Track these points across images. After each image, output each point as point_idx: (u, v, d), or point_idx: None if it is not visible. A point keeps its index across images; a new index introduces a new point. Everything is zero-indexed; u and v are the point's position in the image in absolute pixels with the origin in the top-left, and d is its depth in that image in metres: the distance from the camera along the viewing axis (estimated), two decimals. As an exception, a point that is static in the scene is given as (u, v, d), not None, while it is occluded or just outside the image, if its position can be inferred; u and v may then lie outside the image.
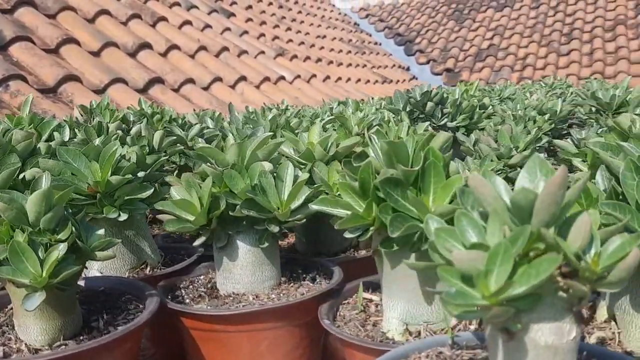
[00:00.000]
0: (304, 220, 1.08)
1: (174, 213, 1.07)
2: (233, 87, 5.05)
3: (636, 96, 2.16)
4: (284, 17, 8.47)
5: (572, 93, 2.81)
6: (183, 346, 1.11)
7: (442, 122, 2.17)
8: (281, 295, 1.10)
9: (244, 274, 1.11)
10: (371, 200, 0.89)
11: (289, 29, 7.97)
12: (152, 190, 1.21)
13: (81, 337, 0.96)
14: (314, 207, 0.95)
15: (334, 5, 11.50)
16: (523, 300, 0.57)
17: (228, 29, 6.29)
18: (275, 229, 1.06)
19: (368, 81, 7.51)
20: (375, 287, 1.11)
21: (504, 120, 2.33)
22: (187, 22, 5.72)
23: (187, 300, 1.12)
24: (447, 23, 10.64)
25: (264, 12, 8.12)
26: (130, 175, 1.16)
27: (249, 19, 7.24)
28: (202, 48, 5.30)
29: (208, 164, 1.09)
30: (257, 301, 1.07)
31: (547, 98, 2.64)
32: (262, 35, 6.90)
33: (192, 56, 5.14)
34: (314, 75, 6.32)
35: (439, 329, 0.94)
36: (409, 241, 0.91)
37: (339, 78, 6.88)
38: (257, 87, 5.30)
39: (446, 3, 11.45)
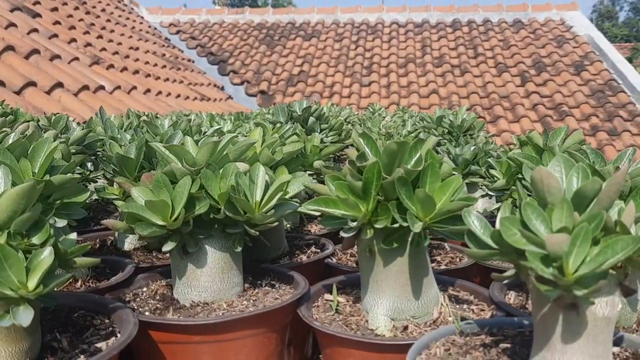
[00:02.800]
0: (276, 222, 1.06)
1: (141, 216, 0.97)
2: (49, 93, 4.57)
3: (478, 121, 2.50)
4: (92, 24, 7.91)
5: (417, 117, 3.13)
6: (148, 364, 1.00)
7: (321, 137, 2.26)
8: (252, 302, 1.06)
9: (213, 281, 1.04)
10: (375, 199, 0.92)
11: (100, 36, 7.47)
12: (89, 193, 1.08)
13: (46, 361, 0.81)
14: (310, 207, 0.95)
15: (142, 18, 11.07)
16: (593, 277, 0.66)
17: (35, 29, 5.68)
18: (251, 231, 1.03)
19: (187, 97, 7.36)
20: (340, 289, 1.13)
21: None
22: (-12, 18, 5.04)
23: (147, 314, 1.01)
24: (259, 47, 10.93)
25: (71, 16, 7.50)
26: (70, 175, 1.02)
27: (57, 22, 6.63)
28: (10, 48, 4.72)
29: (174, 163, 1.02)
30: (231, 309, 1.02)
31: (398, 121, 2.90)
32: (74, 40, 6.37)
33: (-2, 56, 4.54)
34: (135, 87, 6.01)
35: (423, 322, 1.00)
36: (406, 239, 0.96)
37: (160, 92, 6.64)
38: (76, 95, 4.87)
39: (257, 27, 11.77)
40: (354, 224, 0.92)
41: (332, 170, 1.00)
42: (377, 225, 0.92)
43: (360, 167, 0.94)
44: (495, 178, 1.35)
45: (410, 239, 0.95)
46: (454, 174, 0.96)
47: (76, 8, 8.11)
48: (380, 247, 0.96)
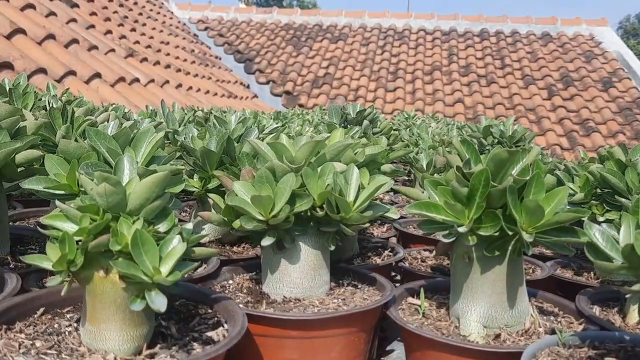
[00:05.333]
0: (369, 223, 1.07)
1: (245, 210, 0.98)
2: (87, 82, 4.63)
3: (529, 133, 2.50)
4: (126, 17, 7.99)
5: (462, 126, 3.13)
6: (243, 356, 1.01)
7: (374, 140, 2.27)
8: (341, 300, 1.07)
9: (305, 277, 1.05)
10: (480, 206, 0.93)
11: (133, 29, 7.55)
12: (184, 183, 1.09)
13: (158, 346, 0.83)
14: (412, 211, 0.96)
15: (172, 13, 11.15)
16: None
17: (74, 19, 5.75)
18: (347, 230, 1.04)
19: (216, 94, 7.41)
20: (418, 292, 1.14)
21: (417, 143, 2.52)
22: (30, 5, 5.10)
23: (241, 306, 1.02)
24: (285, 47, 10.97)
25: (105, 7, 7.58)
26: (175, 166, 1.04)
27: (93, 13, 6.70)
28: (51, 36, 4.78)
29: (276, 160, 1.03)
30: (324, 306, 1.03)
31: (444, 128, 2.91)
32: (109, 32, 6.44)
33: (40, 43, 4.60)
34: (167, 82, 6.07)
35: (515, 331, 1.00)
36: (507, 247, 0.96)
37: (190, 87, 6.69)
38: (112, 86, 4.92)
39: (284, 28, 11.82)
40: (460, 229, 0.93)
41: (432, 175, 1.01)
42: (481, 233, 0.93)
43: (467, 173, 0.94)
44: (572, 191, 1.35)
45: (511, 247, 0.96)
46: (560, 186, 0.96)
47: (110, 0, 8.19)
48: (480, 255, 0.97)
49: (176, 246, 0.76)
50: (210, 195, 1.11)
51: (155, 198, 0.79)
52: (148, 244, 0.73)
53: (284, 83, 9.77)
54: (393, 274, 1.51)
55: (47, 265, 0.75)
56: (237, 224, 1.01)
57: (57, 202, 0.79)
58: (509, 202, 0.91)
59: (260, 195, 0.95)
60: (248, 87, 9.66)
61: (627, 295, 1.06)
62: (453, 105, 9.15)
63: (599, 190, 1.32)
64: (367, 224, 1.63)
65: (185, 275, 1.14)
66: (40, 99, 1.71)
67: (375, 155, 1.31)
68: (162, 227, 0.80)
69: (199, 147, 1.29)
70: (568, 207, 1.38)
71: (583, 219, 0.89)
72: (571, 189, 1.37)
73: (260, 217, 0.98)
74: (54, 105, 1.57)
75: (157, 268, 0.74)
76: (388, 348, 1.34)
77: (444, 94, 9.50)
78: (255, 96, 9.32)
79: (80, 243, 0.75)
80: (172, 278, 0.73)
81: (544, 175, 0.96)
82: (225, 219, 1.06)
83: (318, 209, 1.03)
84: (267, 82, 9.85)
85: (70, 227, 0.77)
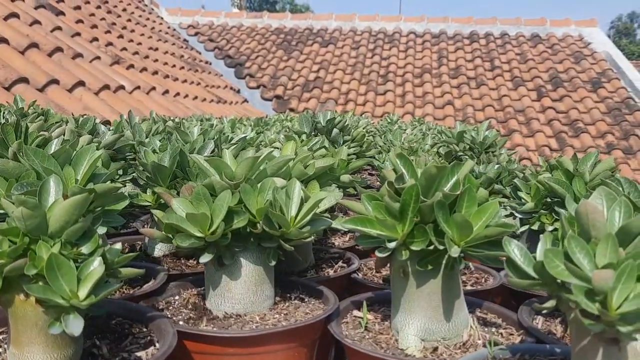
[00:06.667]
0: (310, 237, 1.08)
1: (181, 227, 0.99)
2: (70, 91, 4.62)
3: (500, 138, 2.51)
4: (114, 24, 8.00)
5: (435, 130, 3.14)
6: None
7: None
8: (283, 315, 1.08)
9: (246, 293, 1.06)
10: (412, 221, 0.94)
11: (120, 36, 7.55)
12: (128, 200, 1.10)
13: (87, 367, 0.83)
14: (347, 225, 0.96)
15: (162, 18, 11.16)
16: (637, 315, 0.67)
17: (59, 27, 5.75)
18: (286, 246, 1.04)
19: (204, 99, 7.42)
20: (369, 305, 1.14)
21: (388, 150, 2.53)
22: (14, 15, 5.10)
23: (182, 323, 1.03)
24: (276, 51, 10.99)
25: (93, 14, 7.58)
26: (114, 184, 1.04)
27: (80, 20, 6.71)
28: (34, 45, 4.78)
29: (214, 177, 1.04)
30: (264, 322, 1.04)
31: (419, 134, 2.92)
32: (95, 39, 6.44)
33: (22, 52, 4.60)
34: (154, 88, 6.07)
35: (453, 344, 1.01)
36: (440, 261, 0.97)
37: (178, 93, 6.69)
38: (97, 94, 4.92)
39: (275, 32, 11.84)
40: (391, 244, 0.93)
41: (370, 190, 1.02)
42: (413, 247, 0.94)
43: (399, 188, 0.95)
44: (524, 200, 1.36)
45: (444, 261, 0.96)
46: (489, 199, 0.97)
47: (98, 7, 8.20)
48: (415, 269, 0.98)
49: (96, 268, 0.76)
50: (154, 211, 1.12)
51: (76, 220, 0.79)
52: (65, 267, 0.74)
53: (275, 87, 9.79)
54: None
55: (-34, 289, 0.75)
56: (175, 241, 1.01)
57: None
58: (438, 217, 0.91)
59: (193, 213, 0.96)
60: (238, 91, 9.67)
61: (544, 312, 1.07)
62: (443, 108, 9.17)
63: (548, 200, 1.33)
64: (313, 237, 1.64)
65: (118, 294, 1.15)
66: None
67: (326, 168, 1.31)
68: (85, 249, 0.81)
69: (150, 162, 1.30)
70: (519, 217, 1.40)
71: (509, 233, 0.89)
72: (523, 198, 1.38)
73: (198, 234, 0.99)
74: (9, 120, 1.57)
75: (74, 291, 0.74)
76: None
77: (433, 96, 9.52)
78: (246, 101, 9.33)
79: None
80: (88, 302, 0.73)
81: (476, 190, 0.96)
82: (169, 235, 1.07)
83: (258, 225, 1.03)
84: (258, 87, 9.86)
85: (-10, 251, 0.77)
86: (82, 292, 0.74)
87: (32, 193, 0.87)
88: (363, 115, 5.67)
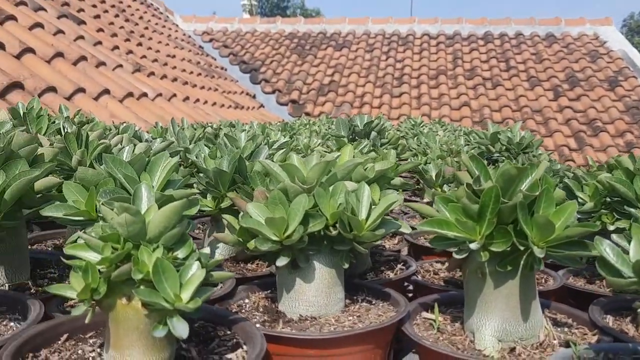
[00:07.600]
0: (381, 240, 1.09)
1: (259, 231, 1.00)
2: (96, 99, 4.68)
3: (537, 139, 2.51)
4: (132, 32, 8.07)
5: (460, 131, 3.14)
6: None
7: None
8: (356, 317, 1.09)
9: (320, 295, 1.07)
10: (491, 222, 0.95)
11: (139, 44, 7.62)
12: (198, 206, 1.12)
13: (180, 370, 0.85)
14: (424, 228, 0.97)
15: (177, 26, 11.25)
16: None
17: (81, 37, 5.82)
18: (360, 248, 1.05)
19: (222, 105, 7.46)
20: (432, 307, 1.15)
21: (425, 152, 2.53)
22: (38, 24, 5.17)
23: (258, 326, 1.04)
24: (290, 56, 11.03)
25: (112, 23, 7.66)
26: (190, 189, 1.06)
27: (100, 29, 6.78)
28: (59, 54, 4.84)
29: (289, 180, 1.05)
30: (340, 324, 1.05)
31: (451, 136, 2.92)
32: (116, 47, 6.51)
33: (49, 62, 4.66)
34: (175, 95, 6.12)
35: (530, 344, 1.01)
36: (519, 262, 0.98)
37: (197, 99, 6.74)
38: (121, 101, 4.98)
39: (289, 37, 11.89)
40: (472, 245, 0.94)
41: (442, 186, 1.03)
42: (493, 249, 0.94)
43: (477, 190, 0.96)
44: (582, 200, 1.36)
45: (523, 262, 0.97)
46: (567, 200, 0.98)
47: (116, 15, 8.28)
48: (492, 270, 0.99)
49: (195, 272, 0.78)
50: (225, 216, 1.14)
51: (174, 226, 0.81)
52: (168, 272, 0.75)
53: (290, 92, 9.82)
54: (406, 284, 1.52)
55: (72, 294, 0.77)
56: (251, 244, 1.03)
57: (79, 232, 0.82)
58: (519, 218, 0.92)
59: (273, 216, 0.97)
60: (254, 97, 9.71)
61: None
62: (459, 109, 9.15)
63: (608, 199, 1.33)
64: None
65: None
66: (54, 122, 1.74)
67: (384, 171, 1.33)
68: (180, 254, 0.82)
69: (212, 168, 1.32)
70: (579, 217, 1.40)
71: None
72: (581, 198, 1.38)
73: (275, 238, 1.00)
74: (69, 130, 1.60)
75: (178, 295, 0.76)
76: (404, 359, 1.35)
77: (449, 98, 9.50)
78: (262, 106, 9.37)
79: (102, 272, 0.78)
80: (193, 305, 0.75)
81: (553, 190, 0.97)
82: (240, 239, 1.08)
83: (331, 228, 1.05)
84: (273, 92, 9.90)
85: (92, 257, 0.79)
86: (185, 295, 0.76)
87: (120, 199, 0.89)
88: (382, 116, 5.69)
